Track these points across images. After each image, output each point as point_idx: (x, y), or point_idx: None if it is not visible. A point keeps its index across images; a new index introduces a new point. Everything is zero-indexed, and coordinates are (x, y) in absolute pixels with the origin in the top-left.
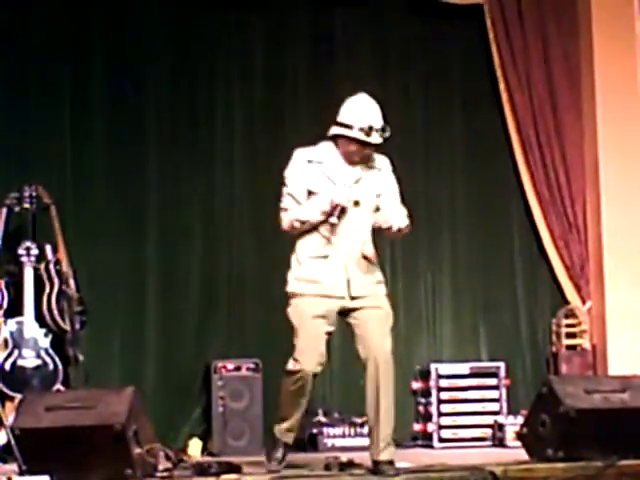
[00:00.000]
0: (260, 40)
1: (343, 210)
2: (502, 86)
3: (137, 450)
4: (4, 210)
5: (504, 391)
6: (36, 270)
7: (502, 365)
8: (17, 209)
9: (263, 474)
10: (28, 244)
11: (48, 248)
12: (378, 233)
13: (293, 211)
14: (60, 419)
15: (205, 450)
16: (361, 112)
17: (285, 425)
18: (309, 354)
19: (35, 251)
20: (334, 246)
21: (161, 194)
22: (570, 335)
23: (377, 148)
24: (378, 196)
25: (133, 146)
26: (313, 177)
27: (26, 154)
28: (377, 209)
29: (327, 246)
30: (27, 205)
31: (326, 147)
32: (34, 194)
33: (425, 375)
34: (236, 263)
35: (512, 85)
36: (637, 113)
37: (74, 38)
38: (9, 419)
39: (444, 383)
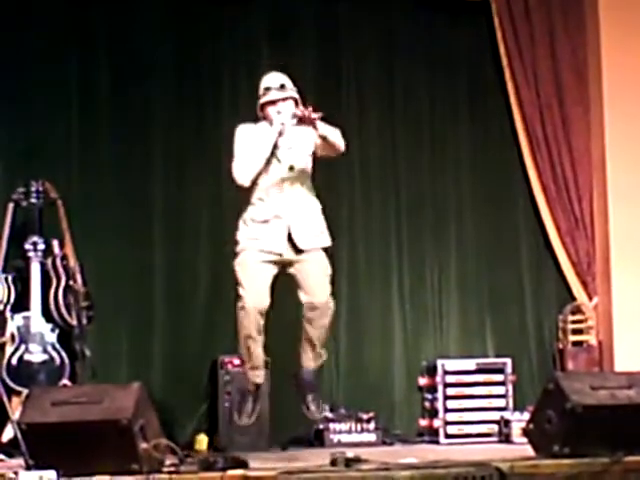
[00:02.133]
0: (265, 39)
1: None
2: (509, 81)
3: (143, 445)
4: (11, 205)
5: (510, 387)
6: (43, 265)
7: (508, 361)
8: (24, 204)
9: (269, 469)
10: (35, 239)
11: (55, 243)
12: (320, 156)
13: (245, 156)
14: (66, 414)
15: (211, 445)
16: (262, 82)
17: (249, 364)
18: (251, 292)
19: (42, 246)
20: (274, 210)
21: (168, 190)
22: (576, 331)
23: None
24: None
25: (140, 141)
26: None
27: (33, 149)
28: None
29: (268, 211)
30: (34, 200)
31: (262, 123)
32: (41, 189)
33: (431, 371)
34: None
35: (519, 80)
36: None
37: (80, 35)
38: (16, 414)
39: (450, 379)
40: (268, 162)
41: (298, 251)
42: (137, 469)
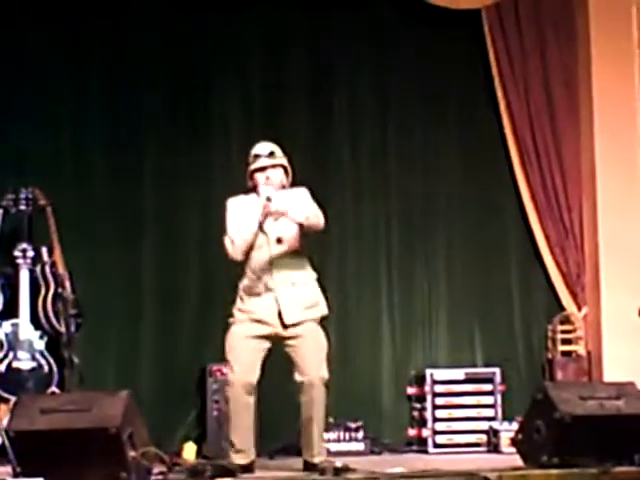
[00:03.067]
0: (258, 51)
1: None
2: (499, 93)
3: (132, 453)
4: (0, 212)
5: (499, 397)
6: (32, 272)
7: (497, 371)
8: (13, 211)
9: (257, 478)
10: (24, 246)
11: (44, 250)
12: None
13: (235, 231)
14: (55, 422)
15: (200, 453)
16: (252, 150)
17: (233, 447)
18: (237, 366)
19: (31, 253)
20: (265, 283)
21: (159, 197)
22: (565, 341)
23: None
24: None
25: (131, 149)
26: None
27: (23, 156)
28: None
29: (258, 284)
30: (23, 207)
31: (251, 195)
32: (30, 196)
33: (420, 380)
34: (233, 266)
35: (509, 91)
36: (634, 121)
37: (72, 44)
38: (4, 421)
39: (439, 388)
40: (256, 235)
41: (286, 326)
42: (125, 477)
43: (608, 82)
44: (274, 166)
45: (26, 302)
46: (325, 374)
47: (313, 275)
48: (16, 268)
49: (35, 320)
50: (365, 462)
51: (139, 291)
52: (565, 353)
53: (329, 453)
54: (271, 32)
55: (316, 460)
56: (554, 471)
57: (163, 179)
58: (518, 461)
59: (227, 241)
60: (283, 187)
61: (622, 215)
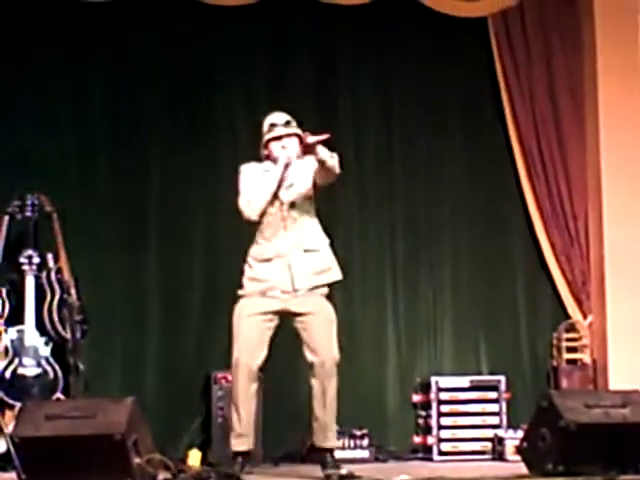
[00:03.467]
0: (262, 55)
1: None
2: (505, 99)
3: (136, 460)
4: (6, 218)
5: (504, 405)
6: (37, 278)
7: (502, 379)
8: (19, 217)
9: None
10: (30, 252)
11: (50, 256)
12: (317, 184)
13: (251, 191)
14: (60, 428)
15: (204, 460)
16: (267, 119)
17: (234, 430)
18: (244, 345)
19: (37, 259)
20: (276, 248)
21: (164, 204)
22: (571, 349)
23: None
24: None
25: (136, 155)
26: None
27: (28, 162)
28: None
29: (270, 249)
30: (29, 213)
31: (266, 163)
32: (36, 202)
33: (425, 388)
34: (238, 272)
35: (515, 98)
36: None
37: (76, 49)
38: (9, 427)
39: (444, 396)
40: (270, 200)
41: (297, 290)
42: None
43: (614, 91)
44: (289, 135)
45: (31, 308)
46: (336, 354)
47: (326, 240)
48: (22, 274)
49: (40, 326)
50: (370, 469)
51: (144, 297)
52: (570, 361)
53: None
54: (274, 34)
55: (327, 445)
56: (559, 479)
57: (167, 180)
58: (523, 469)
59: (243, 202)
60: (297, 157)
61: (627, 223)
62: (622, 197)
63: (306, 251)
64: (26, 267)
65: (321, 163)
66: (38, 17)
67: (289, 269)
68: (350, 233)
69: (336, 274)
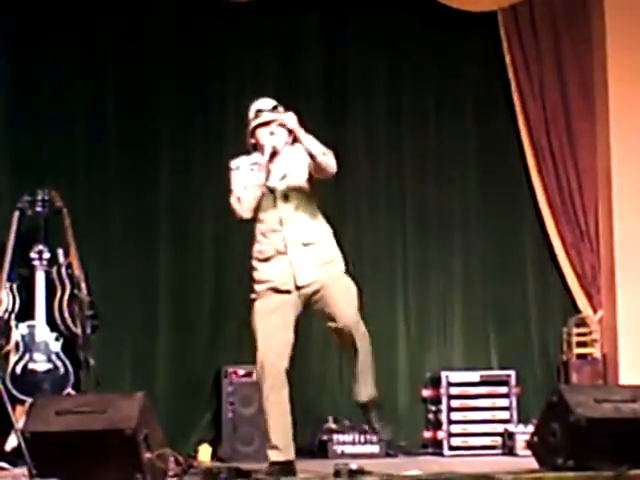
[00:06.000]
0: (272, 50)
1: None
2: (515, 94)
3: (147, 455)
4: (17, 213)
5: (514, 399)
6: (48, 274)
7: (512, 373)
8: (29, 212)
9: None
10: (40, 247)
11: (60, 252)
12: (313, 176)
13: (241, 187)
14: (70, 423)
15: (215, 456)
16: (252, 106)
17: (268, 441)
18: (268, 345)
19: (47, 255)
20: (275, 245)
21: (175, 198)
22: (581, 344)
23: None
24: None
25: (146, 150)
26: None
27: (39, 157)
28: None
29: (268, 247)
30: (39, 208)
31: (254, 154)
32: (46, 197)
33: (435, 383)
34: (247, 269)
35: (525, 93)
36: None
37: (88, 50)
38: (20, 423)
39: (454, 391)
40: (263, 194)
41: (300, 287)
42: (140, 479)
43: (624, 85)
44: (277, 121)
45: (42, 304)
46: (360, 320)
47: (327, 231)
48: (32, 270)
49: (51, 322)
50: (380, 465)
51: (155, 292)
52: (580, 356)
53: (343, 455)
54: (286, 32)
55: (362, 399)
56: (569, 474)
57: (178, 177)
58: (533, 464)
59: (234, 200)
60: (287, 145)
61: (638, 218)
62: (632, 191)
63: (305, 245)
64: (36, 262)
65: (310, 156)
66: (52, 17)
67: (291, 266)
68: (360, 228)
69: (339, 265)
